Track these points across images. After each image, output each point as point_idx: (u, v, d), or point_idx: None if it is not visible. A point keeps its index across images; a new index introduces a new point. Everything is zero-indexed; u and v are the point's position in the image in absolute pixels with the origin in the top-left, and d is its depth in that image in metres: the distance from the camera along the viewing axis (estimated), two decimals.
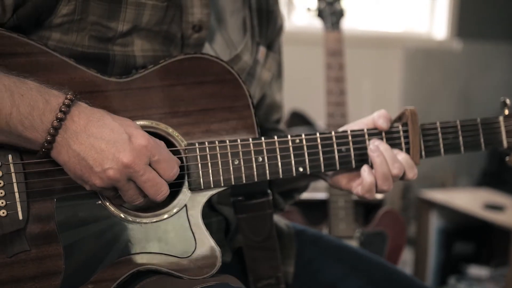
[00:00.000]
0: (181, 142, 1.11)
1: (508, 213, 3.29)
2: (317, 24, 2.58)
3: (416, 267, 3.68)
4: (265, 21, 1.39)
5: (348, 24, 4.18)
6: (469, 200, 3.54)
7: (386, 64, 4.33)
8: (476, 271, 3.40)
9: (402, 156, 1.19)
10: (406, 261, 3.84)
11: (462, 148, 1.24)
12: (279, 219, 1.46)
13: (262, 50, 1.36)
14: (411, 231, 4.12)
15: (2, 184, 1.01)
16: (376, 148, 1.18)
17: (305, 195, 2.43)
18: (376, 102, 4.07)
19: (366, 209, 2.49)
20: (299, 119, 3.05)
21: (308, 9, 2.53)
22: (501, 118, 1.26)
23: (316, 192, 2.39)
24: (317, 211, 2.37)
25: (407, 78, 4.40)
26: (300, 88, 3.44)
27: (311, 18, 2.57)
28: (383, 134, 1.21)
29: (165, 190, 1.04)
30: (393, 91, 4.35)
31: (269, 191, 1.23)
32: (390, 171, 1.17)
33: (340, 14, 2.43)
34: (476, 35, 4.55)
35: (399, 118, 1.23)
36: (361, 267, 1.39)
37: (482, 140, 1.25)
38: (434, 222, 3.60)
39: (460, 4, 4.52)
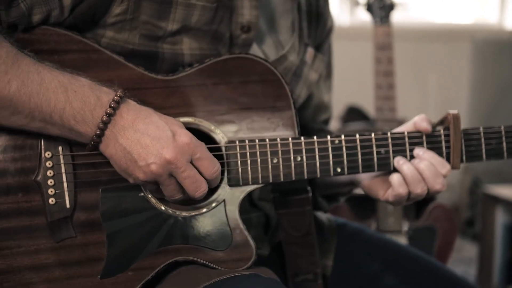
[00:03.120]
0: (222, 139, 1.15)
1: None
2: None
3: (481, 264, 3.61)
4: (314, 23, 1.40)
5: (414, 17, 4.12)
6: None
7: (454, 57, 4.25)
8: None
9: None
10: (472, 259, 3.78)
11: (505, 154, 1.23)
12: (321, 213, 1.49)
13: (310, 51, 1.38)
14: (479, 228, 4.04)
15: (52, 174, 1.08)
16: (404, 161, 1.21)
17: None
18: (443, 97, 4.00)
19: (416, 203, 2.46)
20: (356, 114, 3.04)
21: (357, 2, 2.53)
22: None
23: None
24: (366, 205, 2.37)
25: (476, 71, 4.28)
26: (358, 83, 3.43)
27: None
28: (424, 137, 1.21)
29: (203, 188, 1.09)
30: (461, 86, 4.26)
31: (308, 188, 1.26)
32: (425, 181, 1.20)
33: (389, 8, 2.41)
34: None
35: (441, 122, 1.23)
36: (402, 262, 1.40)
37: None
38: (500, 218, 3.51)
39: None
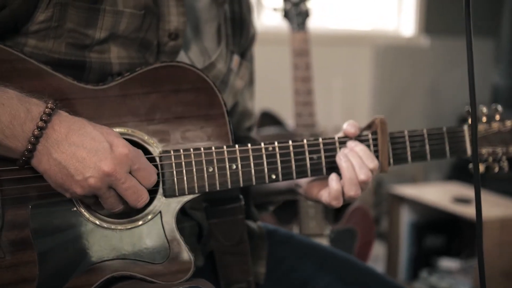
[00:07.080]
0: (156, 149, 1.13)
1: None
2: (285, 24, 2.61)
3: (388, 261, 3.74)
4: (238, 30, 1.40)
5: (317, 22, 4.21)
6: (438, 194, 3.60)
7: (356, 62, 4.39)
8: (447, 263, 3.45)
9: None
10: (379, 256, 3.90)
11: (428, 156, 1.28)
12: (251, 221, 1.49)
13: (236, 58, 1.38)
14: (383, 227, 4.18)
15: None
16: (344, 154, 1.21)
17: None
18: (347, 100, 4.11)
19: None
20: (269, 119, 3.07)
21: (274, 9, 2.56)
22: (465, 127, 1.31)
23: None
24: (288, 210, 2.39)
25: (377, 75, 4.45)
26: (271, 88, 3.47)
27: (279, 18, 2.59)
28: None
29: (145, 197, 1.06)
30: (363, 89, 4.41)
31: (241, 196, 1.26)
32: (357, 177, 1.21)
33: (305, 14, 2.46)
34: (443, 31, 4.62)
35: (368, 127, 1.27)
36: (331, 264, 1.42)
37: (447, 148, 1.29)
38: (405, 217, 3.66)
39: (427, 0, 4.60)
